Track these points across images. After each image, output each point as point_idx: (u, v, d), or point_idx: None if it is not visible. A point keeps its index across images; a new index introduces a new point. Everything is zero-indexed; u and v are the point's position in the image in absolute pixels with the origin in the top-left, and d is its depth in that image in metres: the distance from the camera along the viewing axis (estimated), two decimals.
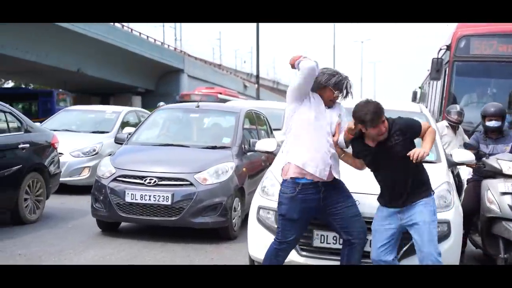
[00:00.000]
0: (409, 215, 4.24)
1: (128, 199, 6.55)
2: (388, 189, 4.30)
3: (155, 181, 6.55)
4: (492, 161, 5.74)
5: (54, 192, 8.33)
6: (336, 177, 4.40)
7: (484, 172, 5.93)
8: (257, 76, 31.27)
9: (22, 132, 7.43)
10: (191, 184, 6.56)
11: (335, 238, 4.61)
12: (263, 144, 6.06)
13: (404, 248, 4.49)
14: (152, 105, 22.22)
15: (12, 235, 6.71)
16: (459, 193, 7.11)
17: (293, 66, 4.31)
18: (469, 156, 5.52)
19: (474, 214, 6.05)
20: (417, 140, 4.33)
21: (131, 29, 37.62)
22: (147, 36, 39.67)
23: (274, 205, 4.61)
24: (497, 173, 5.65)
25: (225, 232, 6.80)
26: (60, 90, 36.38)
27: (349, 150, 4.52)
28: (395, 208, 4.30)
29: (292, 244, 4.49)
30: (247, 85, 55.28)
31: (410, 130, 4.25)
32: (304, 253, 4.71)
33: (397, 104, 6.14)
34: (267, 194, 4.97)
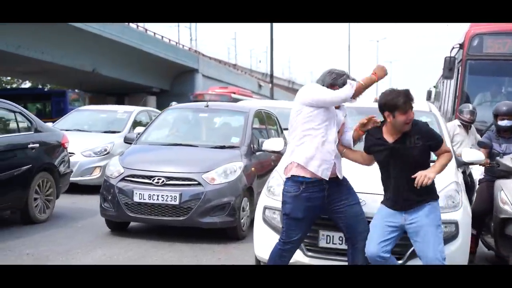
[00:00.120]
0: (414, 217, 4.14)
1: (136, 199, 6.55)
2: (393, 190, 4.20)
3: (163, 181, 6.54)
4: (506, 160, 5.66)
5: (66, 191, 8.38)
6: (339, 176, 4.36)
7: (497, 172, 5.85)
8: (271, 76, 31.23)
9: (32, 132, 7.47)
10: (199, 184, 6.54)
11: (341, 239, 4.56)
12: (270, 144, 6.03)
13: (411, 249, 4.41)
14: (166, 105, 22.25)
15: (22, 235, 6.74)
16: (471, 193, 7.04)
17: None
18: (479, 155, 5.44)
19: (487, 214, 5.97)
20: None
21: (146, 29, 37.77)
22: (162, 36, 39.79)
23: (280, 205, 4.56)
24: (510, 173, 5.55)
25: (234, 232, 6.78)
26: (75, 90, 36.71)
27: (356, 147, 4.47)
28: (399, 211, 4.21)
29: (297, 244, 4.45)
30: (262, 85, 55.27)
31: (431, 140, 4.18)
32: (310, 253, 4.67)
33: None
34: (273, 194, 4.93)
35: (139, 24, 36.45)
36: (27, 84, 48.85)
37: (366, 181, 4.58)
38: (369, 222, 4.35)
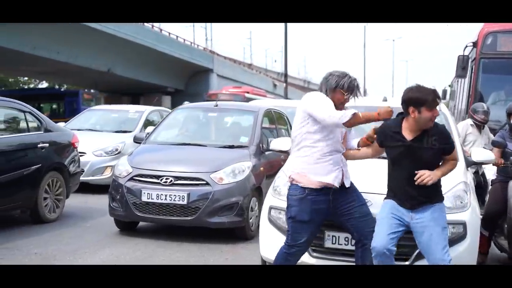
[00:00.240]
0: (421, 216, 4.06)
1: (144, 198, 6.54)
2: (401, 188, 4.11)
3: (171, 180, 6.52)
4: None
5: (77, 191, 8.41)
6: (347, 184, 4.32)
7: (511, 172, 5.74)
8: (285, 75, 31.21)
9: (42, 132, 7.49)
10: (207, 184, 6.52)
11: (346, 239, 4.51)
12: (278, 143, 5.97)
13: (418, 250, 4.34)
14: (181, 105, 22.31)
15: (31, 234, 6.77)
16: (484, 194, 6.93)
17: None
18: (489, 155, 5.34)
19: (500, 216, 5.87)
20: None
21: (161, 29, 37.90)
22: (177, 36, 39.90)
23: (285, 205, 4.52)
24: None
25: (242, 232, 6.74)
26: (91, 90, 36.94)
27: None
28: (407, 209, 4.12)
29: (303, 248, 4.38)
30: (277, 84, 55.19)
31: (447, 144, 4.12)
32: (315, 254, 4.62)
33: None
34: (279, 194, 4.89)
35: (154, 24, 36.64)
36: (44, 84, 49.31)
37: (372, 182, 4.52)
38: None
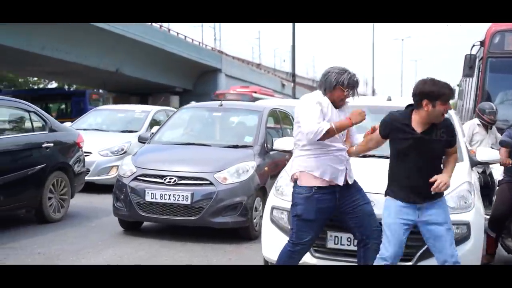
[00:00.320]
0: (428, 213, 4.01)
1: (148, 198, 6.53)
2: (407, 181, 4.03)
3: (175, 180, 6.50)
4: None
5: (82, 191, 8.43)
6: (350, 182, 4.31)
7: None
8: (293, 75, 31.17)
9: (47, 131, 7.50)
10: (211, 184, 6.50)
11: (349, 240, 4.49)
12: (281, 143, 5.94)
13: (421, 251, 4.32)
14: None
15: (35, 233, 6.78)
16: (491, 194, 6.86)
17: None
18: (494, 154, 5.28)
19: (507, 217, 5.81)
20: None
21: (169, 29, 37.92)
22: (185, 36, 39.92)
23: (288, 205, 4.52)
24: None
25: (246, 232, 6.72)
26: (99, 90, 37.01)
27: None
28: (414, 204, 4.05)
29: (308, 246, 4.38)
30: (285, 84, 55.12)
31: (452, 137, 4.11)
32: (317, 254, 4.60)
33: None
34: (281, 194, 4.87)
35: (163, 24, 36.68)
36: (53, 85, 49.52)
37: (375, 181, 4.47)
38: (380, 223, 4.23)
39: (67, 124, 10.56)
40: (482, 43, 9.44)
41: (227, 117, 8.29)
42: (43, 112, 7.74)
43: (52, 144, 7.37)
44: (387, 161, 4.22)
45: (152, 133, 8.00)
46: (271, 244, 4.77)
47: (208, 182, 6.51)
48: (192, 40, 41.70)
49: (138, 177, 6.70)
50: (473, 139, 7.71)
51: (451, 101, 4.11)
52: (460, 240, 4.36)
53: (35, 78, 48.78)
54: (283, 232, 4.69)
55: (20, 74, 44.99)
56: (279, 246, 4.43)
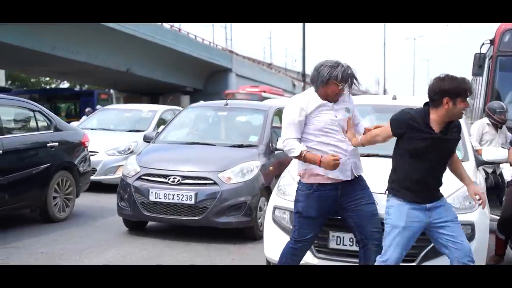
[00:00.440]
0: (438, 213, 3.93)
1: (152, 198, 6.50)
2: (420, 180, 3.92)
3: (179, 180, 6.47)
4: None
5: (88, 190, 8.42)
6: (356, 174, 4.23)
7: None
8: (303, 75, 31.13)
9: (52, 131, 7.49)
10: (215, 183, 6.45)
11: (351, 240, 4.42)
12: None
13: (425, 251, 4.25)
14: None
15: (40, 233, 6.77)
16: (502, 194, 6.76)
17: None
18: (501, 154, 5.19)
19: None
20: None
21: (179, 29, 38.00)
22: (195, 36, 40.00)
23: (290, 205, 4.47)
24: None
25: (250, 232, 6.67)
26: (110, 90, 37.13)
27: None
28: (423, 204, 3.94)
29: (309, 243, 4.33)
30: (296, 84, 55.04)
31: (460, 136, 4.08)
32: (320, 255, 4.55)
33: (422, 99, 5.84)
34: (283, 194, 4.83)
35: (173, 24, 36.74)
36: (65, 85, 49.82)
37: (379, 181, 4.39)
38: (382, 223, 4.15)
39: (74, 123, 10.59)
40: (491, 42, 9.33)
41: (233, 116, 8.23)
42: (48, 111, 7.74)
43: (57, 144, 7.36)
44: (389, 160, 4.13)
45: (158, 133, 7.96)
46: (273, 244, 4.72)
47: (212, 181, 6.47)
48: (203, 39, 41.76)
49: (142, 177, 6.67)
50: (482, 139, 7.61)
51: None
52: None
53: (47, 78, 49.09)
54: (285, 232, 4.64)
55: (31, 74, 45.32)
56: (281, 246, 4.39)
